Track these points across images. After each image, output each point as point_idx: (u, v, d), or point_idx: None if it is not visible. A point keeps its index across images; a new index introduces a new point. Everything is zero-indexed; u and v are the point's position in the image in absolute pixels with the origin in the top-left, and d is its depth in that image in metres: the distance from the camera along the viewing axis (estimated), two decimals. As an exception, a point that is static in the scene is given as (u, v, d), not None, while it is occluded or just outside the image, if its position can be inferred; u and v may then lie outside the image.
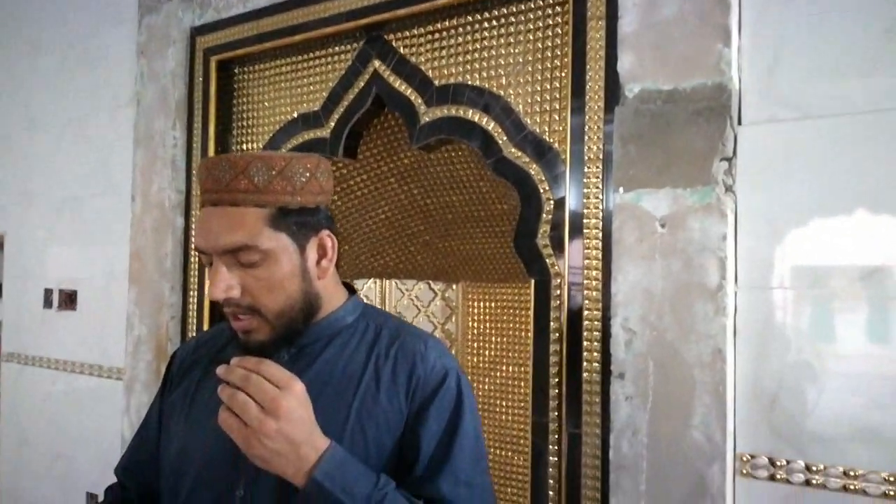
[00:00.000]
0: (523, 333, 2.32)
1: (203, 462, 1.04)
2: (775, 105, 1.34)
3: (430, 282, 2.54)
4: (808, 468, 1.28)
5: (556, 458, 1.59)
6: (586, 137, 1.53)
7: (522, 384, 2.25)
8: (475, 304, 2.50)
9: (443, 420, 1.03)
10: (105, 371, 2.42)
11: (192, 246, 2.22)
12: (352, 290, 1.15)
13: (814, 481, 1.27)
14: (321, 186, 1.04)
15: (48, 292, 2.63)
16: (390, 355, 1.06)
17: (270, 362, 0.91)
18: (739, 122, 1.36)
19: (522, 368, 2.28)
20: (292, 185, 0.99)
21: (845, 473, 1.25)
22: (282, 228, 0.99)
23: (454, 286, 2.53)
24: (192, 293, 2.22)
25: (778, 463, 1.30)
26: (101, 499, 1.22)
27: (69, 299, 2.54)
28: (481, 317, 2.45)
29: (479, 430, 1.07)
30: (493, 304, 2.47)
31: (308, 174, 1.01)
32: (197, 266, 2.21)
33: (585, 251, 1.53)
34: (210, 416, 1.05)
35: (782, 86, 1.34)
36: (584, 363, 1.52)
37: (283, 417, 0.87)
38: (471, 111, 1.75)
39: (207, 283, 1.02)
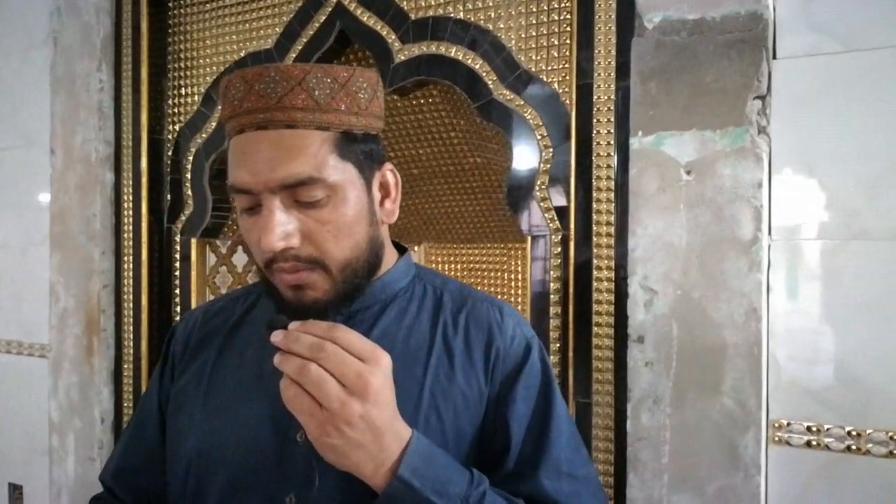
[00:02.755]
0: (496, 297, 2.17)
1: (237, 461, 0.82)
2: (815, 36, 1.21)
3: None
4: (849, 434, 1.18)
5: (555, 430, 1.45)
6: (596, 75, 1.36)
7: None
8: (439, 266, 2.35)
9: (531, 401, 0.86)
10: (26, 348, 2.13)
11: (126, 200, 1.95)
12: (401, 248, 0.95)
13: (855, 447, 1.18)
14: (381, 108, 0.84)
15: (-48, 261, 2.29)
16: (459, 324, 0.87)
17: (346, 328, 0.71)
18: (774, 56, 1.22)
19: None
20: (357, 103, 0.79)
21: (892, 438, 1.15)
22: (348, 158, 0.78)
23: (416, 248, 2.36)
24: (126, 258, 1.95)
25: (815, 429, 1.20)
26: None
27: (-22, 268, 2.22)
28: (445, 279, 2.29)
29: (568, 411, 0.91)
30: (458, 266, 2.33)
31: (371, 91, 0.81)
32: (131, 228, 1.94)
33: (596, 204, 1.37)
34: (238, 405, 0.85)
35: (823, 14, 1.20)
36: (594, 327, 1.37)
37: (370, 399, 0.68)
38: (454, 48, 1.56)
39: (247, 232, 0.80)
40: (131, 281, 1.95)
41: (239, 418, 0.84)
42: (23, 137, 2.13)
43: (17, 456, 2.16)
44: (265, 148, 0.75)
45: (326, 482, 0.78)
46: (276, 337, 0.70)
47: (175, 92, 1.95)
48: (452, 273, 2.31)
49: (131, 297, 1.94)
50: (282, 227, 0.75)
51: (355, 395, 0.68)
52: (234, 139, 0.79)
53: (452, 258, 2.31)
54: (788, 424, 1.22)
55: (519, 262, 2.14)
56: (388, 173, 0.86)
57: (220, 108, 0.81)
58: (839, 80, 1.19)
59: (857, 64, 1.17)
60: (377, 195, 0.84)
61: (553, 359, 1.44)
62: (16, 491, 2.18)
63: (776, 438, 1.22)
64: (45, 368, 2.04)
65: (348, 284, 0.80)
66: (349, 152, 0.79)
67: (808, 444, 1.20)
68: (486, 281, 2.23)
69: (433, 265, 2.32)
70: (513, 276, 2.17)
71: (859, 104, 1.17)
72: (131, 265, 1.95)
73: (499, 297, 2.10)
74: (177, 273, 1.93)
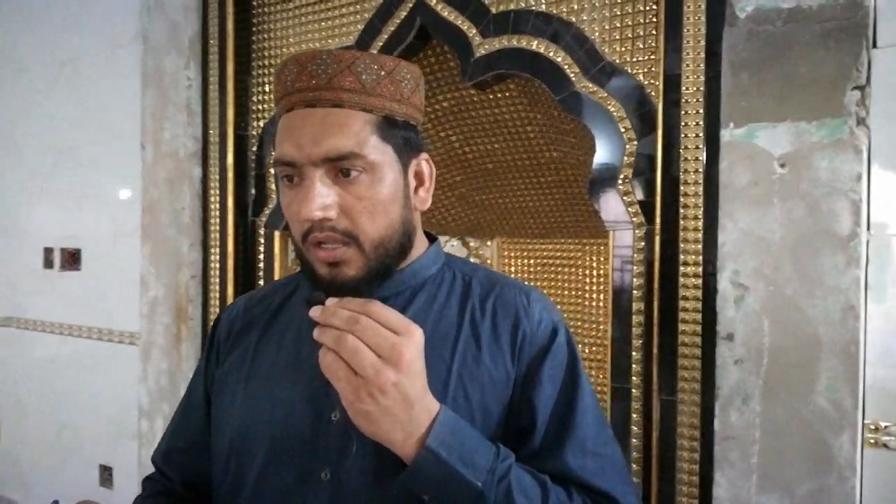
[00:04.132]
0: (566, 291, 2.16)
1: (274, 439, 0.86)
2: (919, 24, 1.16)
3: (464, 237, 2.36)
4: (953, 438, 1.13)
5: (637, 428, 1.43)
6: (684, 66, 1.34)
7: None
8: (512, 260, 2.34)
9: (557, 382, 0.87)
10: (116, 335, 2.22)
11: (213, 194, 2.01)
12: (431, 238, 0.97)
13: (960, 452, 1.13)
14: (421, 101, 0.88)
15: (48, 251, 2.41)
16: (487, 309, 0.90)
17: (381, 304, 0.74)
18: (874, 45, 1.18)
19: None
20: (400, 91, 0.83)
21: None
22: (388, 141, 0.82)
23: (489, 242, 2.36)
24: (213, 250, 2.02)
25: (915, 432, 1.16)
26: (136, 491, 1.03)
27: (72, 258, 2.33)
28: (518, 274, 2.30)
29: (594, 392, 0.91)
30: (531, 261, 2.31)
31: (414, 83, 0.85)
32: (218, 221, 2.01)
33: (683, 198, 1.35)
34: (277, 387, 0.89)
35: (927, 1, 1.16)
36: (681, 324, 1.35)
37: (403, 369, 0.71)
38: (535, 41, 1.55)
39: (287, 204, 0.84)
40: (217, 272, 2.01)
41: (277, 399, 0.88)
42: (110, 132, 2.22)
43: (106, 438, 2.26)
44: (312, 123, 0.79)
45: (359, 457, 0.81)
46: (315, 312, 0.73)
47: (259, 89, 2.00)
48: (526, 268, 2.30)
49: (217, 287, 2.00)
50: (321, 198, 0.78)
51: (389, 364, 0.70)
52: (283, 116, 0.83)
53: (526, 253, 2.30)
54: (885, 427, 1.17)
55: (594, 258, 2.11)
56: (424, 163, 0.88)
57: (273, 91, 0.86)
58: (946, 68, 1.14)
59: (966, 51, 1.12)
60: (412, 182, 0.87)
61: (636, 355, 1.43)
62: (105, 472, 2.28)
63: (871, 441, 1.18)
64: (134, 355, 2.13)
65: (380, 263, 0.83)
66: (389, 135, 0.82)
67: (908, 447, 1.16)
68: (560, 276, 2.21)
69: (506, 259, 2.32)
70: (588, 271, 2.15)
71: (968, 93, 1.12)
72: (218, 257, 2.01)
73: (574, 293, 2.09)
74: (260, 265, 1.99)
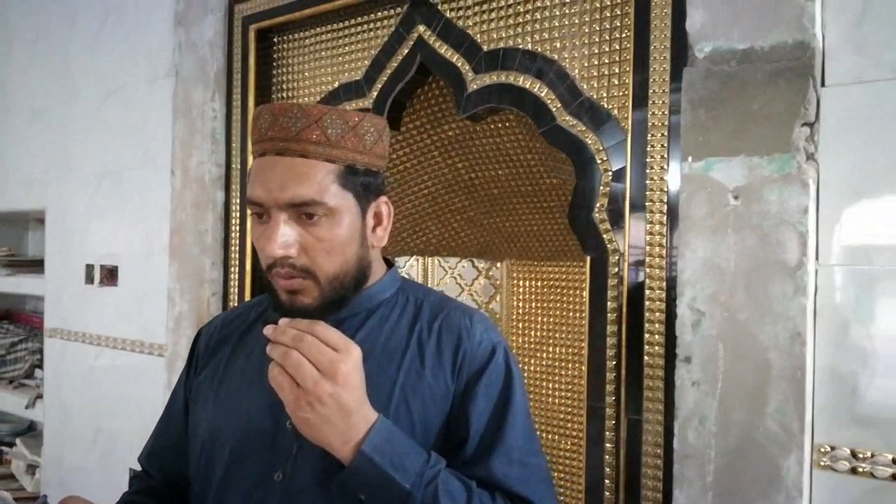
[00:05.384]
0: (571, 313, 2.23)
1: (236, 444, 0.98)
2: (863, 64, 1.21)
3: (474, 259, 2.46)
4: (894, 462, 1.17)
5: (611, 445, 1.50)
6: (650, 102, 1.42)
7: (570, 366, 2.18)
8: (520, 282, 2.42)
9: (492, 398, 0.97)
10: (147, 347, 2.39)
11: (234, 217, 2.16)
12: (389, 264, 1.09)
13: (903, 476, 1.17)
14: (384, 150, 0.99)
15: (90, 268, 2.60)
16: (434, 330, 1.00)
17: (325, 324, 0.85)
18: (823, 84, 1.24)
19: (570, 350, 2.19)
20: (363, 143, 0.93)
21: (940, 469, 1.14)
22: (349, 188, 0.93)
23: (498, 264, 2.45)
24: (233, 269, 2.17)
25: (861, 455, 1.20)
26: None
27: (110, 275, 2.51)
28: (527, 296, 2.37)
29: (529, 409, 1.01)
30: (538, 283, 2.39)
31: (377, 134, 0.96)
32: (238, 242, 2.15)
33: (648, 226, 1.42)
34: (243, 396, 1.01)
35: (871, 42, 1.21)
36: (646, 346, 1.42)
37: (339, 382, 0.82)
38: (522, 77, 1.65)
39: (255, 238, 0.95)
40: (237, 289, 2.16)
41: (242, 407, 1.00)
42: (148, 158, 2.40)
43: (136, 443, 2.40)
44: (280, 171, 0.90)
45: (307, 460, 0.92)
46: (268, 330, 0.85)
47: (277, 119, 2.15)
48: (534, 290, 2.37)
49: (236, 304, 2.14)
50: (283, 238, 0.89)
51: (327, 378, 0.81)
52: (256, 160, 0.94)
53: (534, 275, 2.37)
54: (833, 449, 1.22)
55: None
56: (383, 205, 0.99)
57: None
58: (889, 106, 1.18)
59: (906, 91, 1.17)
60: (371, 222, 0.98)
61: (609, 376, 1.49)
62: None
63: (821, 463, 1.22)
64: (163, 366, 2.29)
65: (335, 294, 0.94)
66: (350, 183, 0.93)
67: (854, 470, 1.20)
68: (565, 298, 2.28)
69: (515, 281, 2.40)
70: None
71: (909, 131, 1.17)
72: (237, 275, 2.16)
73: (579, 314, 2.15)
74: (275, 283, 2.12)
